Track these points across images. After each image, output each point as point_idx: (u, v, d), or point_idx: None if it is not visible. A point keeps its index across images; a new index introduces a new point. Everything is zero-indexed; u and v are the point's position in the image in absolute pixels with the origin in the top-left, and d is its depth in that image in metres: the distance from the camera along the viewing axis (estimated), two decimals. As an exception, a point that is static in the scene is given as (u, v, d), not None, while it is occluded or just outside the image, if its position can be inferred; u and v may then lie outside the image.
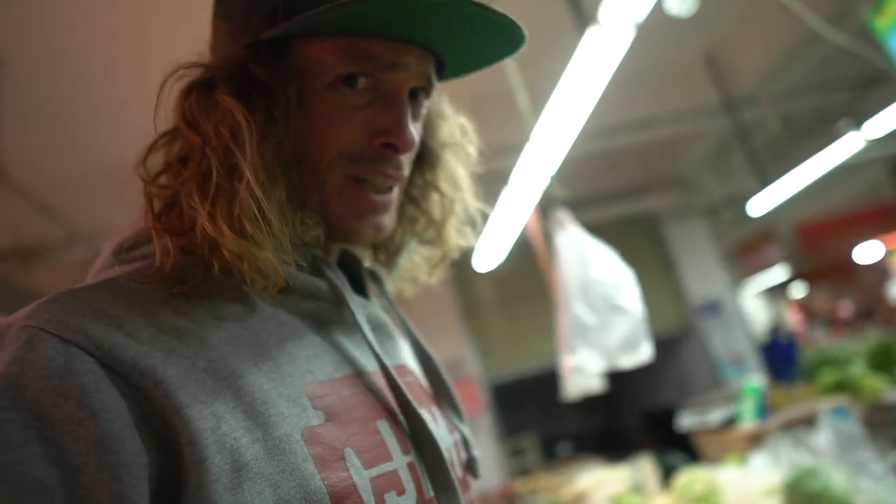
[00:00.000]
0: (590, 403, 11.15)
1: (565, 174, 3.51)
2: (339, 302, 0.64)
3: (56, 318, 0.48)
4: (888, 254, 11.83)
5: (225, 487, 0.46)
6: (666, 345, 7.76)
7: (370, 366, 0.63)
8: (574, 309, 2.31)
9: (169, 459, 0.46)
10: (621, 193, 7.03)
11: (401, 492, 0.55)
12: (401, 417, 0.61)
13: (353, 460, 0.53)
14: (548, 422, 10.77)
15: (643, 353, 2.26)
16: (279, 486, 0.48)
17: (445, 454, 0.61)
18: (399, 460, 0.57)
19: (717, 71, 5.26)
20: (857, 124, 5.47)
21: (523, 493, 4.45)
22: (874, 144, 5.92)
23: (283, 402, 0.52)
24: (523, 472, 6.63)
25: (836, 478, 1.69)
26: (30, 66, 3.14)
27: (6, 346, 0.46)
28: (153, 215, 0.55)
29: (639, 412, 8.98)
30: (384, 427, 0.58)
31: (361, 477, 0.52)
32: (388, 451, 0.57)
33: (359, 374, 0.61)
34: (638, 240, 7.59)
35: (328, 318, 0.63)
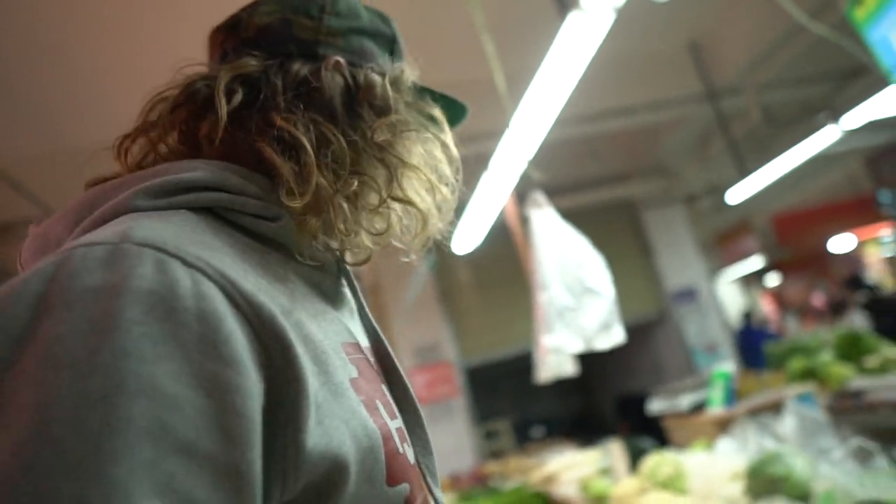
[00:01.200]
0: (565, 388, 11.28)
1: (546, 160, 3.50)
2: (338, 277, 0.71)
3: (171, 242, 0.48)
4: (861, 245, 12.02)
5: (314, 422, 0.49)
6: (641, 331, 7.84)
7: (361, 339, 0.68)
8: (551, 290, 2.33)
9: (268, 395, 0.47)
10: (602, 180, 7.04)
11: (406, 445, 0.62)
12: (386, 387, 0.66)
13: (382, 411, 0.59)
14: (522, 406, 10.86)
15: (616, 336, 2.29)
16: (349, 423, 0.52)
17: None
18: (398, 421, 0.63)
19: (701, 60, 5.28)
20: (836, 116, 5.52)
21: (494, 474, 4.48)
22: (851, 136, 5.99)
23: (332, 354, 0.56)
24: (496, 454, 6.68)
25: (799, 463, 1.72)
26: (2, 42, 3.06)
27: (129, 264, 0.45)
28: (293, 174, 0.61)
29: (613, 397, 9.08)
30: (386, 391, 0.64)
31: (389, 426, 0.58)
32: (395, 410, 0.63)
33: (356, 344, 0.65)
34: (617, 226, 7.62)
35: (330, 291, 0.68)
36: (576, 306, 2.33)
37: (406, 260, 0.80)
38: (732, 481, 2.00)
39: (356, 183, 0.64)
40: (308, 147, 0.61)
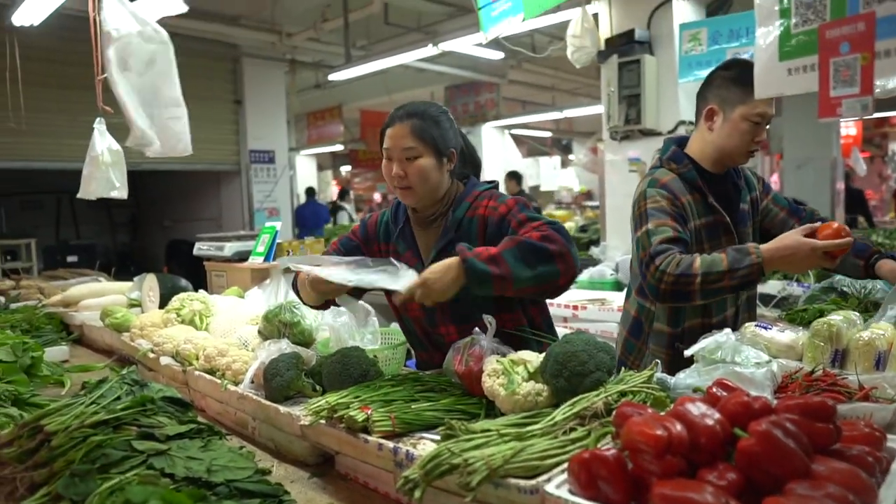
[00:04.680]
0: (115, 221, 10.50)
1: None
2: None
3: None
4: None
5: None
6: (213, 180, 7.72)
7: None
8: (135, 85, 2.13)
9: None
10: (212, 14, 6.52)
11: None
12: None
13: None
14: (62, 230, 9.80)
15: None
16: None
17: None
18: None
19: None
20: (437, 37, 6.10)
21: (6, 291, 3.99)
22: (443, 60, 6.73)
23: None
24: (15, 274, 5.91)
25: (308, 313, 1.95)
26: None
27: None
28: None
29: (166, 239, 8.82)
30: None
31: None
32: None
33: None
34: (214, 64, 7.22)
35: None
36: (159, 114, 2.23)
37: None
38: (251, 323, 2.16)
39: None
40: None
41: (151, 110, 2.34)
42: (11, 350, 2.18)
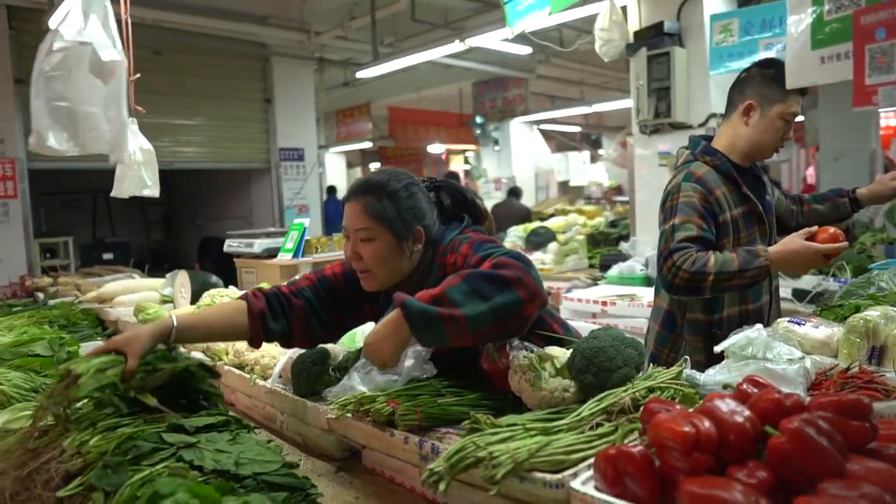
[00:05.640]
0: (150, 219, 10.68)
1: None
2: None
3: None
4: (450, 154, 13.80)
5: None
6: (244, 178, 7.81)
7: None
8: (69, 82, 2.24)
9: None
10: (241, 14, 6.60)
11: None
12: None
13: None
14: (99, 228, 10.01)
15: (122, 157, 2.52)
16: None
17: None
18: None
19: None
20: (464, 33, 6.09)
21: (44, 288, 4.08)
22: (471, 55, 6.71)
23: None
24: (53, 271, 6.06)
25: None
26: None
27: None
28: None
29: (198, 236, 8.95)
30: None
31: None
32: None
33: None
34: (244, 64, 7.29)
35: None
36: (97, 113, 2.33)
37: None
38: (280, 319, 2.18)
39: None
40: None
41: (89, 110, 2.44)
42: (49, 345, 2.23)
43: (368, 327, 1.78)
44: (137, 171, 2.97)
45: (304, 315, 1.61)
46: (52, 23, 2.44)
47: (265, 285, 2.94)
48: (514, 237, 5.05)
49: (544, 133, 11.51)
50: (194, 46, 6.34)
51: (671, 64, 4.30)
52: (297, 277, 1.79)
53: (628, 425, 1.04)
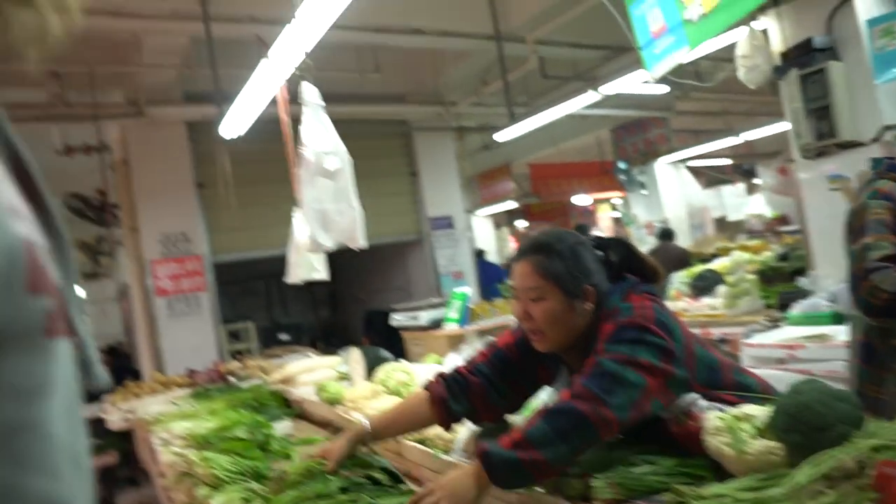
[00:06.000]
0: (316, 298, 11.38)
1: (328, 62, 3.41)
2: None
3: None
4: (596, 204, 13.62)
5: None
6: (398, 250, 8.15)
7: None
8: (314, 187, 2.35)
9: None
10: (382, 97, 7.04)
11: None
12: None
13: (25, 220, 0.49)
14: (272, 311, 10.81)
15: (360, 242, 2.42)
16: None
17: None
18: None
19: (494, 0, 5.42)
20: (597, 84, 6.07)
21: (234, 372, 4.45)
22: (605, 104, 6.67)
23: None
24: (239, 355, 6.60)
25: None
26: None
27: None
28: None
29: (362, 312, 9.38)
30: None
31: (33, 238, 0.48)
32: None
33: None
34: (390, 142, 7.71)
35: None
36: (334, 209, 2.41)
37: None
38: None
39: None
40: None
41: (328, 207, 2.58)
42: (248, 429, 2.41)
43: (544, 393, 1.77)
44: (307, 257, 3.20)
45: (483, 392, 1.65)
46: (223, 132, 2.72)
47: (434, 356, 3.02)
48: (677, 285, 4.83)
49: (692, 170, 11.06)
50: (343, 133, 6.82)
51: (828, 80, 4.01)
52: (471, 353, 1.83)
53: (857, 493, 0.94)
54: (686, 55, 2.83)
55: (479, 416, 1.69)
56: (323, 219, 2.51)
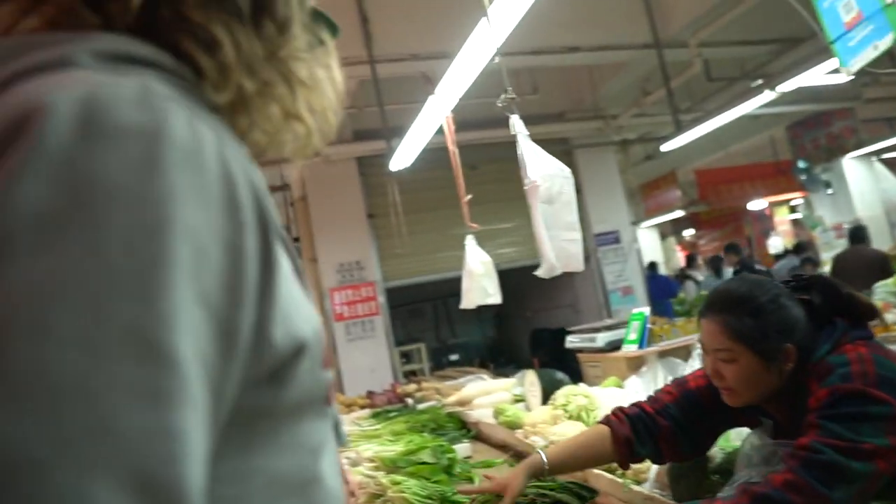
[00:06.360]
0: (482, 318, 11.55)
1: (486, 91, 3.48)
2: None
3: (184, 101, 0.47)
4: (773, 208, 12.64)
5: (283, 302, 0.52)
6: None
7: None
8: (542, 213, 2.45)
9: None
10: (541, 116, 7.05)
11: None
12: None
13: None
14: (440, 332, 11.11)
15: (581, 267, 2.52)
16: (302, 305, 0.54)
17: None
18: None
19: (650, 7, 5.26)
20: (771, 81, 5.67)
21: (410, 394, 4.60)
22: (779, 102, 6.20)
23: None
24: (412, 376, 6.84)
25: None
26: None
27: (164, 110, 0.43)
28: None
29: (529, 331, 9.37)
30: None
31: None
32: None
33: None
34: (551, 163, 7.68)
35: None
36: (559, 235, 2.50)
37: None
38: (639, 416, 2.14)
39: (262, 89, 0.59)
40: (228, 47, 0.54)
41: (553, 234, 2.62)
42: (432, 453, 2.48)
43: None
44: (479, 281, 3.26)
45: (672, 436, 1.56)
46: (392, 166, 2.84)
47: (613, 380, 2.94)
48: (883, 294, 4.32)
49: (886, 162, 9.93)
50: (501, 156, 6.91)
51: None
52: (658, 391, 1.72)
53: None
54: (888, 44, 2.54)
55: (663, 459, 1.63)
56: (552, 244, 2.57)
